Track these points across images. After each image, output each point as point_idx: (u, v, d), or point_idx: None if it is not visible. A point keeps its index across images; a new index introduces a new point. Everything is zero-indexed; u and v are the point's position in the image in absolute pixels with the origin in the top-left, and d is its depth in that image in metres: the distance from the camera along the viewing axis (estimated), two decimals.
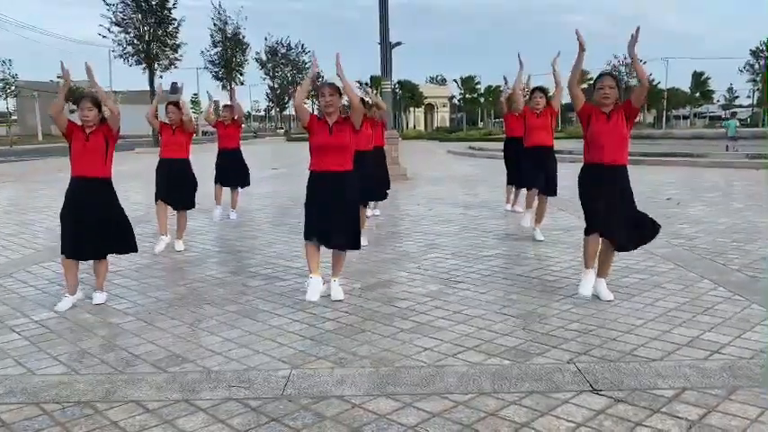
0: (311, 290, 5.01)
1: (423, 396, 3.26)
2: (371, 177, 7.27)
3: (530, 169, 7.55)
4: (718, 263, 6.01)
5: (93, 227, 4.90)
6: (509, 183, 9.68)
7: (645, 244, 4.97)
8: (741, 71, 74.86)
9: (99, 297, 5.06)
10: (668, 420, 2.95)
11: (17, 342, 4.21)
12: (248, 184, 9.84)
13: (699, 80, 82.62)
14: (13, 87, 58.79)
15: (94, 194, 4.92)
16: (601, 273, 4.94)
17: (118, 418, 3.09)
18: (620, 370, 3.52)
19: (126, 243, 5.17)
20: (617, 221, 4.72)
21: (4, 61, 57.94)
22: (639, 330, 4.17)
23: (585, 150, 4.87)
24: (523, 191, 8.59)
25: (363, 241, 7.29)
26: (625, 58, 73.62)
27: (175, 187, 7.21)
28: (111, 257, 5.28)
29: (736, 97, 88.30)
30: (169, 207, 7.28)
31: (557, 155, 7.71)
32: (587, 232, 4.89)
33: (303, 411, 3.12)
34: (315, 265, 5.09)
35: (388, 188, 9.06)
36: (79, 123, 4.93)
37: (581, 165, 4.94)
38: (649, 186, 12.38)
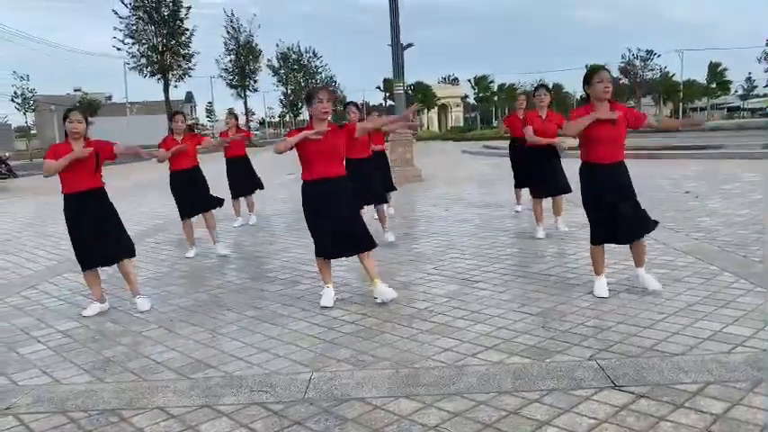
0: (325, 297, 5.02)
1: (443, 396, 3.26)
2: (370, 182, 7.31)
3: (536, 177, 7.44)
4: (739, 255, 5.94)
5: (98, 233, 5.00)
6: (517, 186, 9.52)
7: (642, 234, 4.85)
8: (759, 60, 73.76)
9: (142, 303, 5.11)
10: (692, 415, 2.92)
11: (43, 352, 4.28)
12: (262, 188, 9.94)
13: (715, 71, 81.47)
14: (31, 102, 59.69)
15: (93, 204, 4.99)
16: (638, 263, 4.88)
17: (143, 424, 3.14)
18: (641, 365, 3.50)
19: (126, 246, 5.20)
20: (623, 223, 4.69)
21: (22, 77, 58.88)
22: (660, 325, 4.14)
23: (585, 149, 4.79)
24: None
25: (390, 237, 7.37)
26: (639, 51, 73.18)
27: (197, 194, 7.34)
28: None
29: (755, 87, 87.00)
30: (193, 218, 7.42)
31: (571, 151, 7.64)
32: (593, 242, 4.89)
33: (325, 414, 3.14)
34: (328, 276, 5.08)
35: (390, 190, 9.14)
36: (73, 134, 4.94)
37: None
38: (668, 180, 12.27)
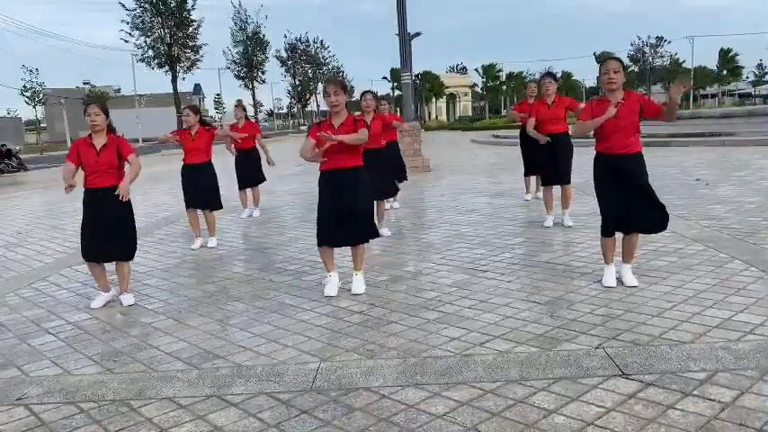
0: (329, 286, 5.07)
1: (451, 385, 3.26)
2: (386, 174, 7.25)
3: (542, 163, 7.39)
4: (749, 242, 5.89)
5: (109, 231, 5.02)
6: (526, 174, 9.49)
7: (651, 231, 4.84)
8: None
9: (127, 299, 5.18)
10: (701, 403, 2.91)
11: (53, 343, 4.32)
12: (262, 181, 9.89)
13: (726, 57, 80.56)
14: (41, 95, 60.09)
15: (111, 201, 4.97)
16: (625, 259, 4.87)
17: (152, 414, 3.16)
18: (649, 354, 3.49)
19: (128, 249, 5.19)
20: (632, 214, 4.65)
21: (31, 70, 59.25)
22: (669, 313, 4.12)
23: (596, 139, 4.77)
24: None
25: (386, 232, 7.34)
26: (649, 38, 72.54)
27: (200, 191, 7.40)
28: (139, 259, 5.38)
29: (766, 73, 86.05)
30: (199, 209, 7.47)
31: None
32: (603, 233, 4.86)
33: (333, 403, 3.15)
34: (331, 264, 5.13)
35: (401, 181, 9.09)
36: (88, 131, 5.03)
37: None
38: (678, 167, 12.18)
